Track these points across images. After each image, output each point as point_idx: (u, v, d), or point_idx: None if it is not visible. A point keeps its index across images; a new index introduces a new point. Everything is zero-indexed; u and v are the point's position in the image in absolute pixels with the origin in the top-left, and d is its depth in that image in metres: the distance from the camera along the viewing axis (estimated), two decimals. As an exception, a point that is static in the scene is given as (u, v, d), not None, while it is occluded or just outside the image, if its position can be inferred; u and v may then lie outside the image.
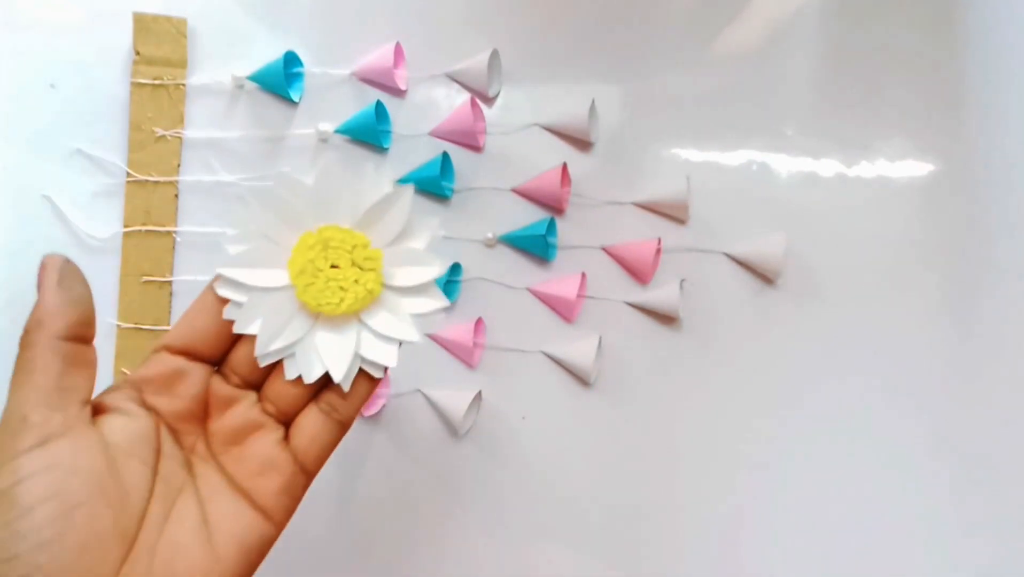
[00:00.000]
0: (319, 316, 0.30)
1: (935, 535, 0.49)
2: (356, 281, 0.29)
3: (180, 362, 0.29)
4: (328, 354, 0.29)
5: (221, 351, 0.30)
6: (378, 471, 0.47)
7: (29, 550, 0.23)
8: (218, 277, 0.30)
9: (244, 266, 0.29)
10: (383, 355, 0.29)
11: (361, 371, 0.30)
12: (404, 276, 0.30)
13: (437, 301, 0.30)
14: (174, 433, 0.29)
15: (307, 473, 0.30)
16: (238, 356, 0.30)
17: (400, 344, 0.30)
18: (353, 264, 0.29)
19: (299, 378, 0.29)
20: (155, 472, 0.27)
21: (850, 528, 0.48)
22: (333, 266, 0.29)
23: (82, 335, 0.26)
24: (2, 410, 0.25)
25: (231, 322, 0.29)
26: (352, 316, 0.30)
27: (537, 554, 0.47)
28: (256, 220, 0.30)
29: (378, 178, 0.30)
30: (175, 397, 0.29)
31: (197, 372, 0.29)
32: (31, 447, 0.24)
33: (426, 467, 0.47)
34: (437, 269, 0.30)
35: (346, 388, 0.29)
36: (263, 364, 0.29)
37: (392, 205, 0.30)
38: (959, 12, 0.50)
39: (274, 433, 0.30)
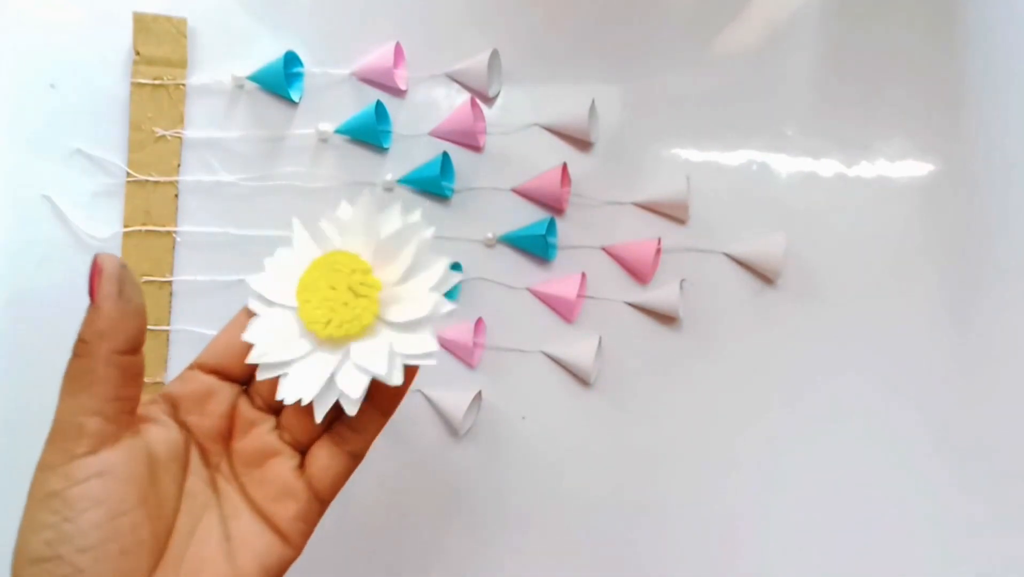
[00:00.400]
0: (321, 342, 0.29)
1: (937, 534, 0.49)
2: (345, 304, 0.28)
3: (212, 381, 0.30)
4: (308, 377, 0.29)
5: (250, 372, 0.30)
6: (378, 471, 0.46)
7: (72, 552, 0.24)
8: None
9: (269, 280, 0.30)
10: (352, 386, 0.28)
11: (371, 405, 0.30)
12: (399, 312, 0.29)
13: (428, 345, 0.28)
14: (202, 450, 0.30)
15: (321, 501, 0.30)
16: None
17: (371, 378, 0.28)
18: (349, 289, 0.28)
19: (309, 407, 0.29)
20: (182, 487, 0.28)
21: (850, 528, 0.48)
22: (333, 288, 0.29)
23: (137, 347, 0.27)
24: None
25: None
26: (343, 343, 0.29)
27: (537, 553, 0.47)
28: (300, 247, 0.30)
29: (396, 214, 0.30)
30: (205, 415, 0.30)
31: (226, 391, 0.30)
32: (85, 453, 0.25)
33: (426, 467, 0.47)
34: (432, 307, 0.29)
35: (318, 416, 0.29)
36: (260, 377, 0.29)
37: (405, 242, 0.29)
38: (959, 12, 0.50)
39: (290, 460, 0.30)
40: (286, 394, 0.29)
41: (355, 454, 0.31)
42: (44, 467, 0.25)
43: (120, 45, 0.45)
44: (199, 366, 0.30)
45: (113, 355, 0.26)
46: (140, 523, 0.25)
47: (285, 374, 0.29)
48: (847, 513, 0.48)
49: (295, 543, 0.29)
